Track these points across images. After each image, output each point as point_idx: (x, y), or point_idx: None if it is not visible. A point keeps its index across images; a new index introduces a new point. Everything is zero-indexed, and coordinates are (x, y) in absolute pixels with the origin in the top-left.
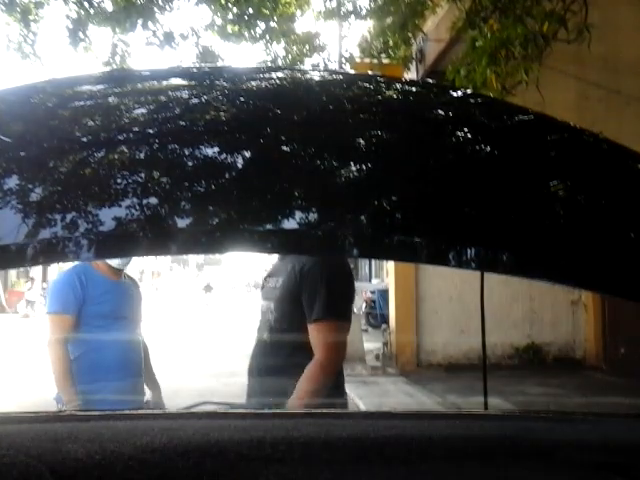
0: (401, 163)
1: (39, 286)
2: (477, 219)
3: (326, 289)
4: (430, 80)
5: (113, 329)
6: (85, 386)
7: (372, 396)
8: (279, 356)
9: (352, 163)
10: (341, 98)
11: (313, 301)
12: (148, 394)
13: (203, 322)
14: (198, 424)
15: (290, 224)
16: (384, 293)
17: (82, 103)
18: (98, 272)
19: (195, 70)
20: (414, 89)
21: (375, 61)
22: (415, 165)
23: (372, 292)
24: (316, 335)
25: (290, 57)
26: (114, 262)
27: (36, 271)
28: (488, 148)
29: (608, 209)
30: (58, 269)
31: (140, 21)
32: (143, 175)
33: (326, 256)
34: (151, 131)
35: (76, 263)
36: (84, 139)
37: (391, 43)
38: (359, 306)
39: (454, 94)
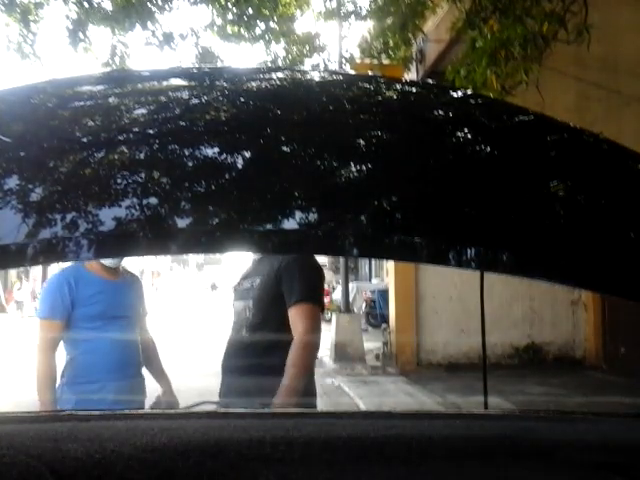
0: (401, 163)
1: (39, 285)
2: (477, 219)
3: (303, 279)
4: (430, 81)
5: (109, 329)
6: (81, 387)
7: (372, 396)
8: (258, 352)
9: (352, 163)
10: (341, 99)
11: (292, 289)
12: (159, 390)
13: (203, 321)
14: (198, 424)
15: (290, 224)
16: (384, 293)
17: (82, 104)
18: (91, 272)
19: (195, 70)
20: (414, 90)
21: (375, 61)
22: (415, 165)
23: (372, 292)
24: (296, 316)
25: (290, 57)
26: (106, 261)
27: (36, 271)
28: (488, 148)
29: (608, 209)
30: (58, 269)
31: (139, 21)
32: (143, 175)
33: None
34: (151, 131)
35: (68, 265)
36: (84, 139)
37: (391, 43)
38: (359, 306)
39: (454, 94)
